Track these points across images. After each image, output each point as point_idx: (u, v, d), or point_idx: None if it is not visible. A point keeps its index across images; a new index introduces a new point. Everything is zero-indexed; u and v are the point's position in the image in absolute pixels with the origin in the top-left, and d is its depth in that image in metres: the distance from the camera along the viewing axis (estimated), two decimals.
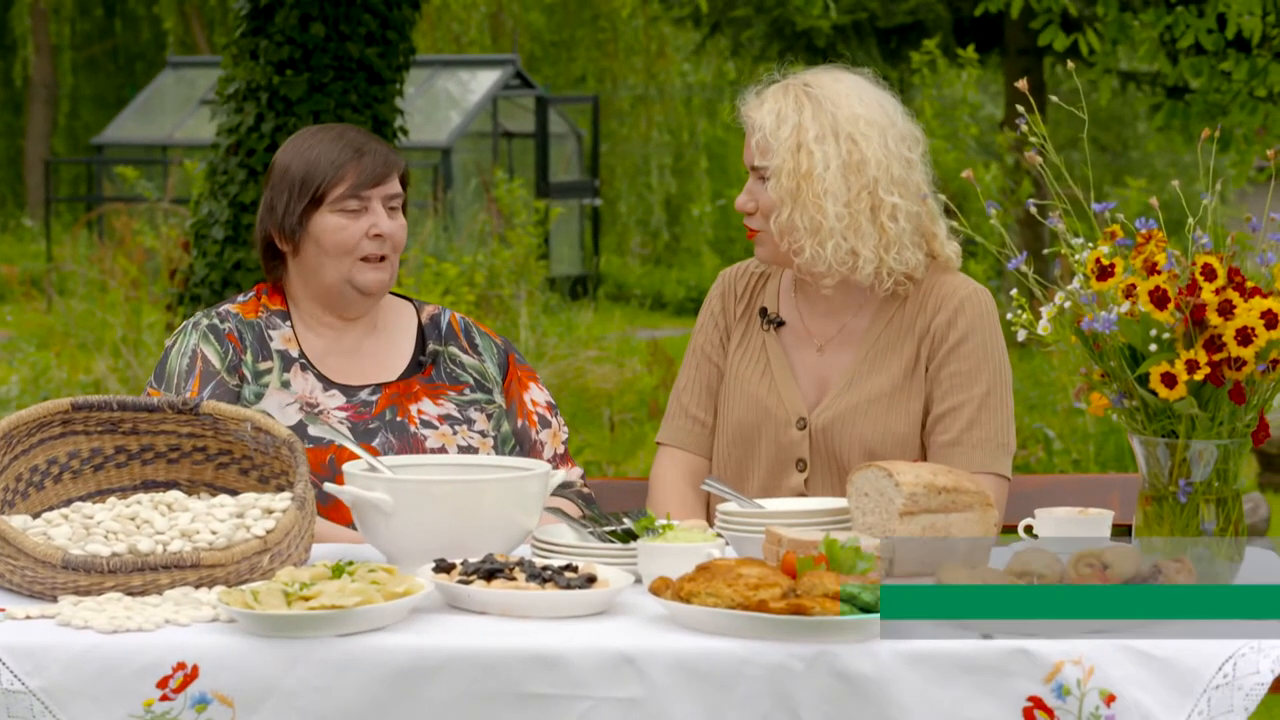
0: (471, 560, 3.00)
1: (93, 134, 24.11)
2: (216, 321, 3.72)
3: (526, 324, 12.46)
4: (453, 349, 3.80)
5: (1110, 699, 2.72)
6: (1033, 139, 3.13)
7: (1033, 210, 3.17)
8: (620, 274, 20.88)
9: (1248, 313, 2.94)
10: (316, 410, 3.65)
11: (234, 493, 3.28)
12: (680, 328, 16.30)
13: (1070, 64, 3.48)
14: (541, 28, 24.19)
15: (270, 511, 3.10)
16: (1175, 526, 3.01)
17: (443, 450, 3.66)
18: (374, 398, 3.71)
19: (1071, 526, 3.23)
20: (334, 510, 3.55)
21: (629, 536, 3.23)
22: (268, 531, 3.04)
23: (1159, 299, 2.95)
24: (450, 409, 3.74)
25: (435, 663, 2.74)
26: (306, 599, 2.80)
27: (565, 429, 3.84)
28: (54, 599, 2.95)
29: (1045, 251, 3.25)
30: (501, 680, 2.73)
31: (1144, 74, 14.73)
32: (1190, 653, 2.74)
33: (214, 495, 3.28)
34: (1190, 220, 3.03)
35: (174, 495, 3.18)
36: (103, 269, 13.04)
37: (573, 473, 3.77)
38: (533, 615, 2.88)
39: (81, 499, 3.28)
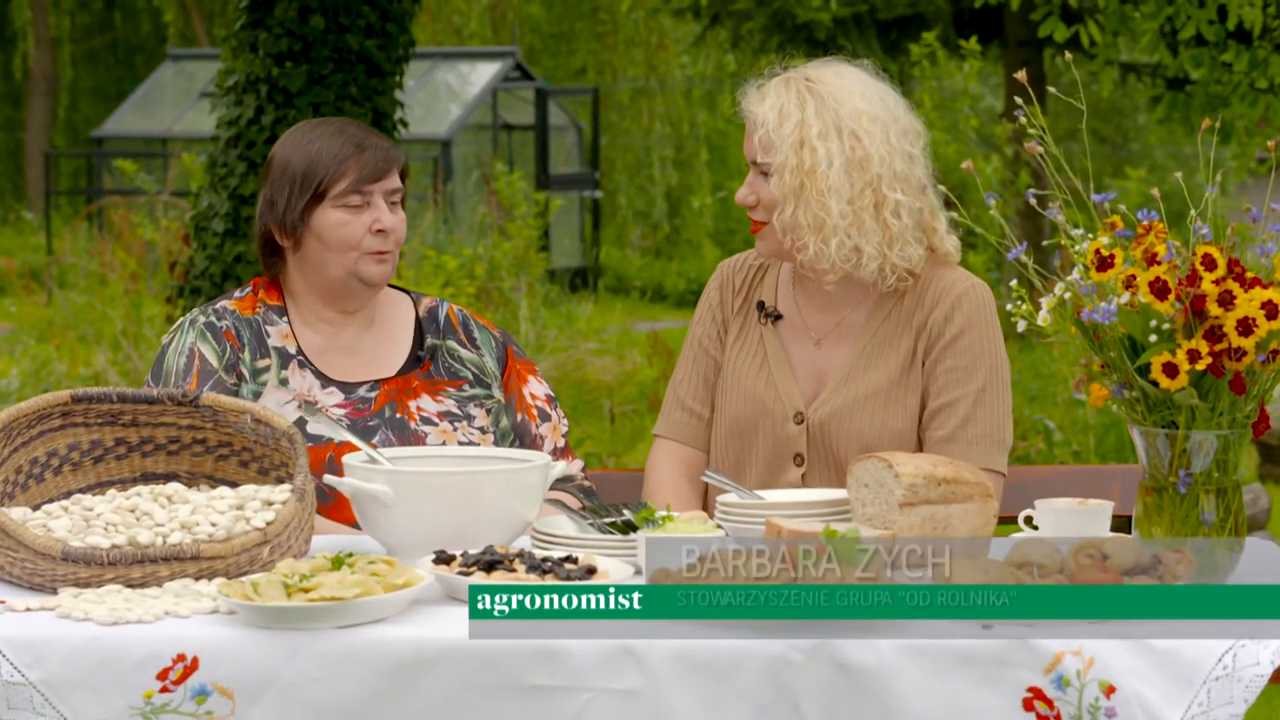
0: (471, 552, 3.00)
1: (93, 127, 24.09)
2: (214, 319, 3.69)
3: (526, 316, 12.47)
4: (451, 344, 3.79)
5: (1110, 690, 2.72)
6: (1032, 130, 3.13)
7: (1032, 201, 3.17)
8: (620, 266, 20.87)
9: (1248, 303, 2.93)
10: (315, 406, 3.64)
11: (234, 485, 3.28)
12: (680, 320, 16.30)
13: (1069, 56, 3.47)
14: (541, 20, 24.18)
15: (270, 503, 3.10)
16: (1175, 517, 3.00)
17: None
18: (372, 394, 3.70)
19: (1071, 517, 3.23)
20: (334, 510, 3.54)
21: (629, 528, 3.23)
22: (267, 523, 3.04)
23: (1159, 290, 2.94)
24: (450, 405, 3.72)
25: (435, 654, 2.74)
26: (306, 591, 2.80)
27: (565, 422, 3.83)
28: (54, 591, 2.95)
29: (1045, 243, 3.24)
30: (501, 672, 2.73)
31: (1144, 65, 14.72)
32: (1190, 644, 2.74)
33: (214, 487, 3.27)
34: (1192, 211, 3.03)
35: (174, 487, 3.18)
36: (103, 262, 13.05)
37: (573, 466, 3.76)
38: None
39: (81, 491, 3.27)
